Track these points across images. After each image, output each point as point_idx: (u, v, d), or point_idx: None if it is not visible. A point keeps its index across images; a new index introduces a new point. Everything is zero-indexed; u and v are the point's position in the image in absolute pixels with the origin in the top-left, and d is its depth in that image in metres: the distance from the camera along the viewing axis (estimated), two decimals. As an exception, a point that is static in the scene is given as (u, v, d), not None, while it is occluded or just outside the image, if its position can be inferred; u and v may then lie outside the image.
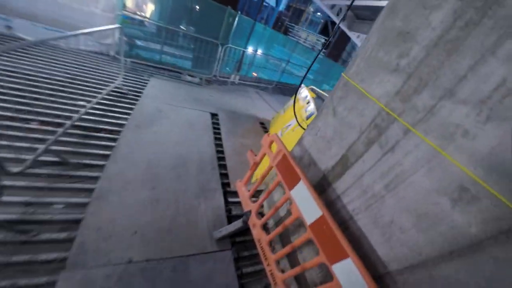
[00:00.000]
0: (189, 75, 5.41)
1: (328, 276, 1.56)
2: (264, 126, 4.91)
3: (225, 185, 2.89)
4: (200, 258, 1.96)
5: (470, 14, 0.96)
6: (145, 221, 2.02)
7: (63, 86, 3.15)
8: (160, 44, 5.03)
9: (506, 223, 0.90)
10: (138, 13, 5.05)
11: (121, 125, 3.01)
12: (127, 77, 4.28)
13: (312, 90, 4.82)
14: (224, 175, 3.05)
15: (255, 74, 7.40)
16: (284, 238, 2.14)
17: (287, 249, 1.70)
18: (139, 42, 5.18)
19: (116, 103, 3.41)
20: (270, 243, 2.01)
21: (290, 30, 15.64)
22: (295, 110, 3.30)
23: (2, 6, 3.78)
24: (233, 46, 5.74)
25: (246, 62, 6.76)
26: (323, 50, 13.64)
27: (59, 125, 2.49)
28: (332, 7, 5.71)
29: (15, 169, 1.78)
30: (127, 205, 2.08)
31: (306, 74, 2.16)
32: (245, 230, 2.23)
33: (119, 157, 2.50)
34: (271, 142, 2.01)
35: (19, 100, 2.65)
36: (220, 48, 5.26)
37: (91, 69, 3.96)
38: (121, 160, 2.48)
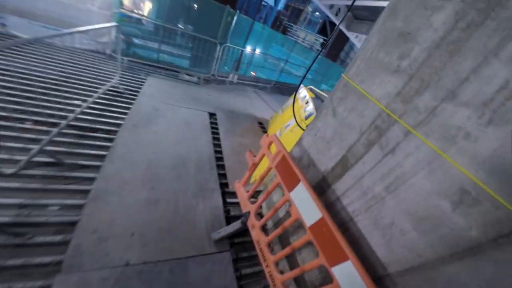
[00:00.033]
0: (187, 74, 5.36)
1: (327, 278, 1.56)
2: (262, 126, 4.89)
3: (224, 186, 2.87)
4: (199, 259, 1.94)
5: (472, 16, 0.95)
6: (143, 222, 2.00)
7: (58, 85, 3.09)
8: (158, 43, 4.97)
9: (506, 226, 0.89)
10: (136, 11, 4.99)
11: (117, 125, 2.97)
12: (123, 76, 4.23)
13: (311, 90, 4.82)
14: (222, 175, 3.02)
15: (253, 74, 7.37)
16: (283, 239, 2.13)
17: (287, 250, 1.69)
18: (136, 41, 5.12)
19: (112, 103, 3.36)
20: (269, 244, 2.00)
21: (289, 29, 15.63)
22: (294, 110, 3.29)
23: (-4, 3, 3.70)
24: (231, 45, 5.70)
25: (244, 61, 6.73)
26: (320, 50, 13.65)
27: (54, 125, 2.44)
28: (331, 7, 5.70)
29: (9, 170, 1.74)
30: (124, 206, 2.05)
31: (306, 74, 2.15)
32: (244, 231, 2.21)
33: (116, 158, 2.46)
34: (270, 143, 2.00)
35: (13, 99, 2.59)
36: (218, 47, 5.22)
37: (87, 68, 3.90)
38: (118, 160, 2.44)
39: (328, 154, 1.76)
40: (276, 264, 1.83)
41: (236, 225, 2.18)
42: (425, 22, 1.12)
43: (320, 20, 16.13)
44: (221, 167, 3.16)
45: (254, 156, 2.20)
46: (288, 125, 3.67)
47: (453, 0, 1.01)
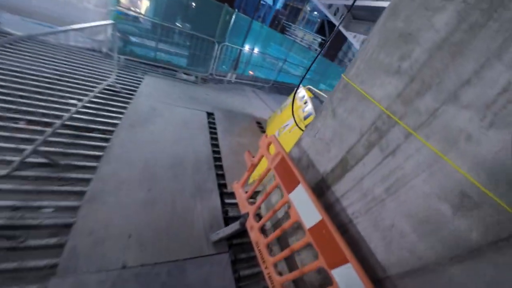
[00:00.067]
0: (185, 73, 5.31)
1: (327, 279, 1.55)
2: (260, 126, 4.87)
3: (222, 186, 2.85)
4: (197, 261, 1.92)
5: (475, 17, 0.94)
6: (140, 224, 1.97)
7: (52, 83, 3.03)
8: (155, 41, 4.91)
9: (507, 230, 0.89)
10: (133, 9, 4.91)
11: (114, 125, 2.92)
12: (120, 75, 4.17)
13: (309, 90, 4.80)
14: (220, 176, 3.00)
15: (251, 73, 7.34)
16: (282, 240, 2.12)
17: (286, 252, 1.68)
18: (133, 39, 5.05)
19: (109, 102, 3.30)
20: (268, 245, 1.98)
21: (287, 29, 15.60)
22: (293, 110, 3.28)
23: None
24: (229, 44, 5.65)
25: (243, 60, 6.69)
26: (320, 50, 13.65)
27: (48, 124, 2.38)
28: (330, 6, 5.70)
29: (1, 171, 1.70)
30: (120, 207, 2.01)
31: (305, 74, 2.13)
32: (242, 232, 2.20)
33: (112, 158, 2.42)
34: (269, 144, 1.98)
35: (5, 98, 2.53)
36: (216, 46, 5.18)
37: (83, 66, 3.83)
38: (114, 160, 2.40)
39: (327, 155, 1.75)
40: (275, 265, 1.81)
41: (234, 226, 2.16)
42: (426, 23, 1.11)
43: (319, 20, 16.12)
44: (219, 167, 3.13)
45: (253, 157, 2.18)
46: (287, 125, 3.66)
47: (455, 0, 1.00)
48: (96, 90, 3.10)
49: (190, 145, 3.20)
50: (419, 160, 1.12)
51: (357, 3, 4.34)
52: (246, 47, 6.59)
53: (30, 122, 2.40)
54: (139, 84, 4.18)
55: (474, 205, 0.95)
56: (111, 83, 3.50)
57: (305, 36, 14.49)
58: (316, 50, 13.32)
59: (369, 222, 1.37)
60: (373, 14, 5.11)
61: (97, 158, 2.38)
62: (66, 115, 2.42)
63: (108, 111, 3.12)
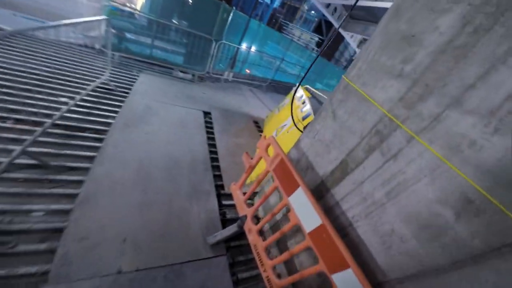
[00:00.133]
0: (181, 72, 5.21)
1: (326, 282, 1.53)
2: (258, 125, 4.83)
3: (219, 187, 2.81)
4: (194, 265, 1.88)
5: (480, 20, 0.92)
6: (135, 227, 1.91)
7: (42, 81, 2.91)
8: (151, 38, 4.79)
9: (510, 236, 0.88)
10: (128, 4, 4.78)
11: (108, 124, 2.84)
12: (114, 72, 4.05)
13: (307, 89, 4.79)
14: (217, 177, 2.96)
15: (248, 71, 7.27)
16: (280, 243, 2.10)
17: (285, 255, 1.66)
18: (128, 35, 4.91)
19: (102, 100, 3.21)
20: (266, 248, 1.96)
21: (284, 27, 15.53)
22: (289, 111, 3.25)
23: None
24: (227, 43, 5.57)
25: (240, 59, 6.62)
26: (317, 49, 13.66)
27: (38, 124, 2.29)
28: (328, 5, 5.67)
29: (-13, 174, 1.62)
30: (115, 210, 1.95)
31: (306, 74, 2.11)
32: (240, 234, 2.17)
33: (106, 159, 2.35)
34: (268, 145, 1.95)
35: (-7, 96, 2.42)
36: (213, 44, 5.09)
37: (75, 63, 3.70)
38: (108, 161, 2.33)
39: (327, 157, 1.73)
40: (274, 268, 1.79)
41: (232, 229, 2.13)
42: (430, 25, 1.09)
43: (316, 19, 16.10)
44: (216, 168, 3.09)
45: (251, 159, 2.14)
46: (285, 125, 3.64)
47: (460, 3, 0.98)
48: (89, 88, 3.00)
49: (186, 145, 3.14)
50: (421, 164, 1.11)
51: (357, 3, 4.32)
52: (244, 46, 6.51)
53: (18, 121, 2.30)
54: (134, 82, 4.08)
55: (477, 211, 0.95)
56: (104, 81, 3.40)
57: (302, 35, 14.45)
58: (313, 49, 13.30)
59: (369, 226, 1.36)
60: (370, 14, 5.11)
61: (90, 159, 2.30)
62: (57, 114, 2.33)
63: (101, 110, 3.02)
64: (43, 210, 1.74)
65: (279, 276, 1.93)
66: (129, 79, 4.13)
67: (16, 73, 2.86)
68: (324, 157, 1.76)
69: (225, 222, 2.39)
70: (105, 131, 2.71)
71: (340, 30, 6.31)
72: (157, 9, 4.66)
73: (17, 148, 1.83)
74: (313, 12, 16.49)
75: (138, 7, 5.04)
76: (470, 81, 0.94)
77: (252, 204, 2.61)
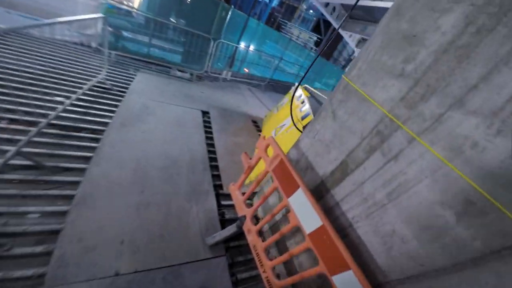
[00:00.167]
0: (179, 70, 5.17)
1: (326, 283, 1.53)
2: (256, 125, 4.82)
3: (218, 187, 2.79)
4: (193, 266, 1.87)
5: (483, 20, 0.91)
6: (133, 228, 1.89)
7: (37, 79, 2.86)
8: (148, 37, 4.74)
9: (511, 239, 0.88)
10: (125, 2, 4.71)
11: (104, 124, 2.80)
12: (111, 71, 4.00)
13: (306, 89, 4.77)
14: (216, 176, 2.94)
15: (246, 70, 7.24)
16: (280, 243, 2.09)
17: (285, 256, 1.65)
18: (125, 34, 4.85)
19: (98, 99, 3.16)
20: (266, 248, 1.95)
21: (283, 26, 15.48)
22: (288, 110, 3.23)
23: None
24: (225, 42, 5.54)
25: (238, 58, 6.58)
26: (316, 48, 13.65)
27: (33, 124, 2.24)
28: (326, 5, 5.65)
29: (-19, 175, 1.58)
30: (112, 211, 1.93)
31: (306, 74, 2.09)
32: (239, 234, 2.16)
33: (103, 159, 2.32)
34: (267, 146, 1.93)
35: (-14, 95, 2.37)
36: (212, 43, 5.05)
37: (70, 62, 3.64)
38: (105, 162, 2.30)
39: (327, 157, 1.72)
40: (273, 268, 1.78)
41: (231, 229, 2.12)
42: (432, 24, 1.08)
43: (314, 18, 16.07)
44: (214, 167, 3.07)
45: (250, 159, 2.13)
46: (284, 125, 3.62)
47: (462, 2, 0.97)
48: (85, 87, 2.96)
49: (184, 144, 3.12)
50: (423, 165, 1.10)
51: (357, 3, 4.31)
52: (242, 44, 6.48)
53: (12, 121, 2.25)
54: (131, 81, 4.03)
55: (478, 212, 0.94)
56: (101, 80, 3.35)
57: (301, 34, 14.42)
58: (311, 48, 13.29)
59: (370, 227, 1.36)
60: (369, 14, 5.11)
61: (86, 159, 2.27)
62: (52, 113, 2.29)
63: (98, 110, 2.98)
64: (38, 212, 1.71)
65: (278, 276, 1.92)
66: (126, 78, 4.08)
67: (10, 71, 2.80)
68: (324, 158, 1.75)
69: (224, 222, 2.37)
70: (102, 131, 2.67)
71: (339, 30, 6.30)
72: (155, 7, 4.60)
73: (12, 148, 1.79)
74: (311, 11, 16.46)
75: (136, 5, 4.98)
76: (473, 82, 0.93)
77: (251, 204, 2.60)
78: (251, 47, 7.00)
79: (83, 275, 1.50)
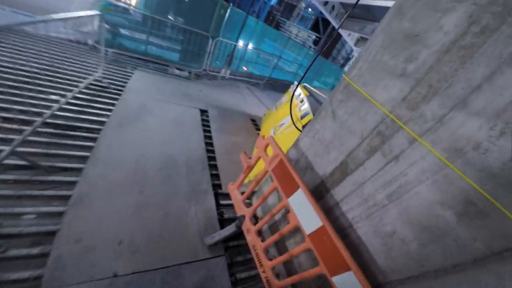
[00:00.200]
0: (177, 69, 5.11)
1: (326, 283, 1.53)
2: (255, 124, 4.80)
3: (216, 187, 2.78)
4: (192, 266, 1.85)
5: (486, 20, 0.90)
6: (131, 229, 1.87)
7: (32, 77, 2.80)
8: (146, 34, 4.67)
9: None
10: (122, 0, 4.63)
11: (101, 123, 2.75)
12: (108, 69, 3.94)
13: (305, 87, 4.76)
14: (215, 176, 2.92)
15: (245, 68, 7.20)
16: (279, 242, 2.09)
17: (285, 256, 1.64)
18: (122, 31, 4.77)
19: (95, 98, 3.11)
20: (265, 248, 1.94)
21: (282, 25, 15.41)
22: (287, 109, 3.22)
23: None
24: (224, 40, 5.48)
25: (237, 56, 6.53)
26: (314, 47, 13.61)
27: (27, 123, 2.19)
28: (325, 3, 5.62)
29: (-26, 175, 1.54)
30: (110, 212, 1.90)
31: (305, 73, 2.08)
32: (238, 234, 2.15)
33: (100, 159, 2.28)
34: (267, 145, 1.92)
35: (-21, 93, 2.31)
36: (210, 41, 5.00)
37: (66, 59, 3.58)
38: (102, 162, 2.27)
39: (327, 157, 1.71)
40: (273, 268, 1.78)
41: (230, 229, 2.10)
42: (434, 24, 1.07)
43: (313, 17, 16.01)
44: (213, 167, 3.05)
45: (249, 158, 2.11)
46: (283, 124, 3.61)
47: (465, 1, 0.96)
48: (81, 85, 2.91)
49: (183, 144, 3.09)
50: (424, 167, 1.10)
51: (353, 0, 4.28)
52: (241, 43, 6.42)
53: (6, 120, 2.20)
54: (128, 79, 3.97)
55: (480, 214, 0.94)
56: (97, 78, 3.30)
57: (299, 33, 14.36)
58: (310, 47, 13.25)
59: (370, 228, 1.35)
60: (368, 12, 5.09)
61: (82, 159, 2.23)
62: (47, 112, 2.24)
63: (94, 108, 2.93)
64: (34, 213, 1.68)
65: (278, 276, 1.92)
66: (123, 76, 4.02)
67: (4, 69, 2.74)
68: (324, 158, 1.74)
69: (223, 222, 2.36)
70: (99, 130, 2.63)
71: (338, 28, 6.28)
72: (152, 5, 4.53)
73: (6, 148, 1.75)
74: (310, 9, 16.39)
75: (133, 2, 4.89)
76: (476, 83, 0.92)
77: (250, 204, 2.59)
78: (250, 46, 6.96)
79: (80, 277, 1.48)
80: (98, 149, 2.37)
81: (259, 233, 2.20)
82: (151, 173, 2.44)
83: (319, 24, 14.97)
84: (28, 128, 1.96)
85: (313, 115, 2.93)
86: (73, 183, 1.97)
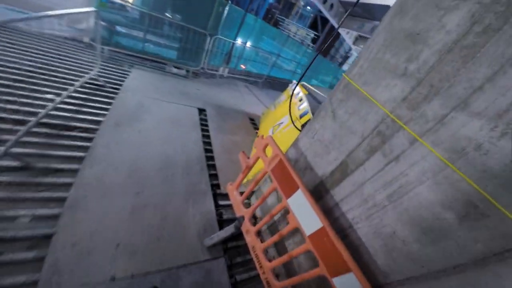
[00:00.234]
0: (175, 67, 5.05)
1: (326, 283, 1.52)
2: (254, 123, 4.77)
3: (215, 187, 2.76)
4: (191, 268, 1.84)
5: (489, 19, 0.89)
6: (129, 231, 1.84)
7: (25, 76, 2.74)
8: (143, 32, 4.60)
9: (513, 241, 0.88)
10: (119, -4, 4.54)
11: (97, 122, 2.71)
12: (104, 67, 3.88)
13: (304, 86, 4.74)
14: (213, 176, 2.90)
15: (243, 67, 7.15)
16: (279, 244, 2.08)
17: (285, 258, 1.63)
18: (119, 29, 4.69)
19: (91, 97, 3.06)
20: (264, 248, 1.93)
21: (280, 23, 15.32)
22: (286, 108, 3.20)
23: None
24: (222, 38, 5.43)
25: (235, 54, 6.48)
26: (313, 45, 13.58)
27: (21, 122, 2.15)
28: (324, 1, 5.58)
29: (-34, 178, 1.51)
30: (106, 214, 1.87)
31: (305, 72, 2.06)
32: (238, 234, 2.14)
33: (96, 159, 2.25)
34: (266, 145, 1.90)
35: (-30, 93, 2.25)
36: (208, 39, 4.95)
37: (61, 57, 3.51)
38: (98, 162, 2.23)
39: (326, 158, 1.70)
40: (272, 269, 1.77)
41: (229, 230, 2.09)
42: (436, 22, 1.06)
43: (312, 15, 15.95)
44: (212, 167, 3.03)
45: (248, 158, 2.09)
46: (281, 123, 3.59)
47: (468, 0, 0.95)
48: (77, 84, 2.85)
49: (181, 144, 3.06)
50: (424, 167, 1.09)
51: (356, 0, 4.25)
52: (239, 41, 6.37)
53: (-1, 120, 2.16)
54: (125, 77, 3.92)
55: (481, 215, 0.93)
56: (93, 77, 3.24)
57: (298, 31, 14.30)
58: (309, 45, 13.21)
59: (370, 228, 1.35)
60: (367, 10, 5.07)
61: (78, 159, 2.19)
62: (42, 111, 2.20)
63: (90, 107, 2.88)
64: (29, 216, 1.65)
65: (277, 276, 1.92)
66: (120, 74, 3.96)
67: (-3, 68, 2.68)
68: (324, 158, 1.72)
69: (222, 223, 2.35)
70: (95, 130, 2.59)
71: (336, 27, 6.25)
72: (150, 2, 4.46)
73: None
74: (309, 8, 16.32)
75: (129, -1, 4.80)
76: (478, 83, 0.91)
77: (249, 204, 2.57)
78: (248, 44, 6.91)
79: (77, 281, 1.46)
80: (94, 150, 2.33)
81: (258, 233, 2.20)
82: (149, 173, 2.41)
83: (318, 22, 14.92)
84: (22, 128, 1.92)
85: (312, 114, 2.92)
86: (69, 185, 1.93)
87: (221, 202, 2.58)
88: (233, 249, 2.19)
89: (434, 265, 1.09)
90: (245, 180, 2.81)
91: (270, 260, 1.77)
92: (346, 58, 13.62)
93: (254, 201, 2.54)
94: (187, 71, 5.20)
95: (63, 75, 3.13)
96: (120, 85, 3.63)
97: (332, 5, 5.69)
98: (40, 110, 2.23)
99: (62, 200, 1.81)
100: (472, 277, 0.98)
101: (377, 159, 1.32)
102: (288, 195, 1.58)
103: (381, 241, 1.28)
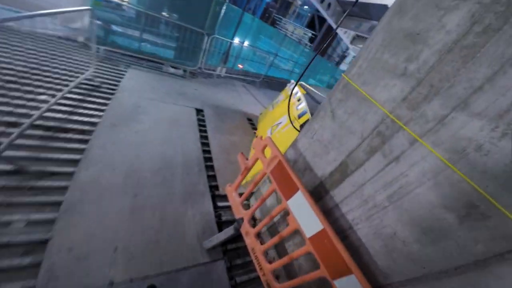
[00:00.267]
0: (172, 67, 5.00)
1: (326, 284, 1.52)
2: (252, 123, 4.76)
3: (213, 188, 2.74)
4: (191, 271, 1.82)
5: (489, 19, 0.88)
6: (127, 235, 1.82)
7: (18, 76, 2.68)
8: (139, 31, 4.54)
9: (514, 241, 0.88)
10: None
11: (93, 124, 2.67)
12: (100, 68, 3.82)
13: (302, 86, 4.73)
14: (211, 177, 2.88)
15: (240, 66, 7.12)
16: (279, 245, 2.07)
17: (285, 260, 1.62)
18: (115, 28, 4.62)
19: (87, 98, 3.01)
20: (264, 250, 1.92)
21: (278, 22, 15.30)
22: (284, 108, 3.18)
23: None
24: (219, 37, 5.39)
25: (233, 54, 6.44)
26: (310, 44, 13.58)
27: (14, 125, 2.10)
28: (322, 1, 5.58)
29: (-43, 182, 1.46)
30: (103, 217, 1.84)
31: (303, 72, 2.04)
32: (237, 236, 2.12)
33: (92, 162, 2.21)
34: (265, 147, 1.88)
35: (-39, 94, 2.20)
36: (206, 38, 4.91)
37: (55, 57, 3.44)
38: (94, 165, 2.19)
39: (326, 158, 1.69)
40: (273, 271, 1.76)
41: (229, 232, 2.07)
42: (436, 22, 1.05)
43: (309, 14, 15.95)
44: (210, 168, 3.01)
45: (247, 159, 2.08)
46: (280, 123, 3.58)
47: (468, 0, 0.94)
48: (72, 84, 2.80)
49: (178, 145, 3.03)
50: (425, 168, 1.09)
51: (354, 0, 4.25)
52: (236, 40, 6.34)
53: (-8, 122, 2.11)
54: (121, 78, 3.86)
55: (481, 216, 0.93)
56: (89, 77, 3.19)
57: (295, 30, 14.29)
58: (306, 44, 13.22)
59: (370, 229, 1.34)
60: (364, 10, 5.08)
61: (74, 162, 2.15)
62: (36, 113, 2.15)
63: (86, 109, 2.84)
64: (24, 221, 1.61)
65: (277, 277, 1.91)
66: (116, 74, 3.91)
67: (-12, 68, 2.62)
68: (323, 158, 1.72)
69: (221, 225, 2.33)
70: (91, 131, 2.55)
71: (334, 26, 6.25)
72: (146, 0, 4.40)
73: (-9, 152, 1.67)
74: (306, 7, 16.32)
75: (125, -3, 4.73)
76: (478, 83, 0.91)
77: (248, 205, 2.56)
78: (246, 43, 6.88)
79: (75, 287, 1.43)
80: (90, 152, 2.29)
81: (258, 235, 2.18)
82: (146, 175, 2.38)
83: (315, 22, 14.93)
84: (15, 131, 1.87)
85: (310, 113, 2.91)
86: (65, 188, 1.90)
87: (220, 204, 2.56)
88: (232, 251, 2.18)
89: (435, 266, 1.08)
90: (244, 181, 2.79)
91: (270, 262, 1.76)
92: (343, 57, 13.66)
93: (253, 202, 2.53)
94: (184, 71, 5.16)
95: (58, 76, 3.07)
96: (116, 85, 3.58)
97: (329, 4, 5.69)
98: (33, 112, 2.18)
99: (57, 204, 1.77)
100: (473, 278, 0.98)
101: (377, 159, 1.31)
102: (288, 197, 1.57)
103: (382, 241, 1.28)
